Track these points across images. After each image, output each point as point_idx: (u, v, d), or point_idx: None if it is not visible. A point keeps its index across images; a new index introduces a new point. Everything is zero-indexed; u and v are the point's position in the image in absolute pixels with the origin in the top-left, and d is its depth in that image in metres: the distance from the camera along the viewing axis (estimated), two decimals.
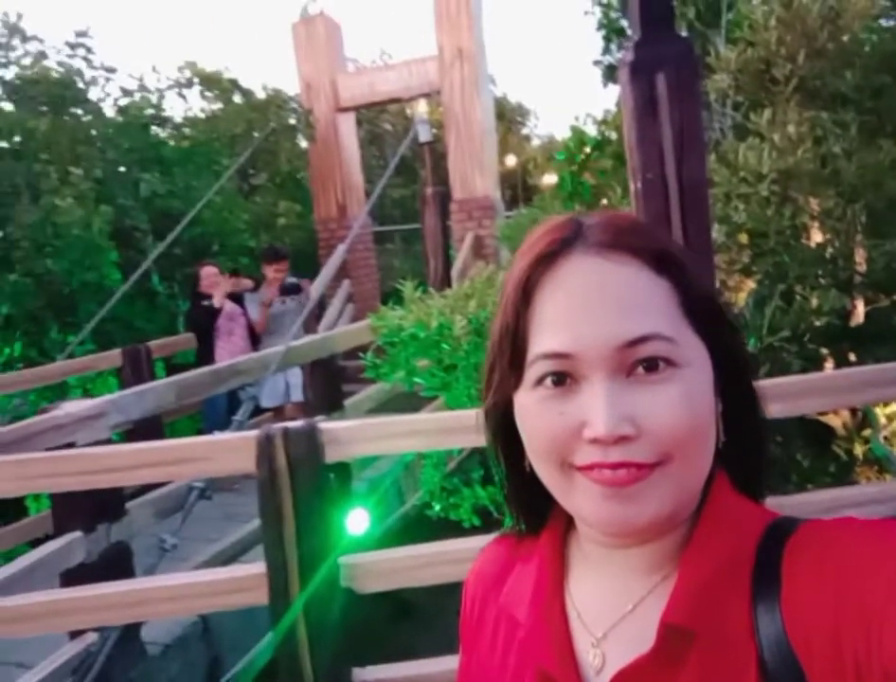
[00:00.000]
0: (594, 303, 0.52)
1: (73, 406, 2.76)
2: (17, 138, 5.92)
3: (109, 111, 7.18)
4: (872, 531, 0.51)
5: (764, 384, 2.36)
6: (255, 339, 5.15)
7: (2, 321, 5.04)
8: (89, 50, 6.83)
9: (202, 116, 8.40)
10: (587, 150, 4.99)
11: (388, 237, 11.20)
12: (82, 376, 4.97)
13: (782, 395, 2.15)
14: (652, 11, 2.14)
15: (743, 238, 2.74)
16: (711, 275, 2.18)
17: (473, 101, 7.37)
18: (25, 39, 6.60)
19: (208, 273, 5.20)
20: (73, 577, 2.57)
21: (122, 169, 6.69)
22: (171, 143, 7.53)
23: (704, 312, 0.55)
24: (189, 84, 7.88)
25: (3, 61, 6.35)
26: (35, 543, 3.27)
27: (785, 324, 2.55)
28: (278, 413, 4.91)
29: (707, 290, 0.56)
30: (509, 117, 17.52)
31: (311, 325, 5.63)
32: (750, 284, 3.16)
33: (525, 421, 0.56)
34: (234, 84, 8.91)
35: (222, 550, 3.67)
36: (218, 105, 8.64)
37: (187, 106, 8.14)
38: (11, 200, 5.57)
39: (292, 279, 5.31)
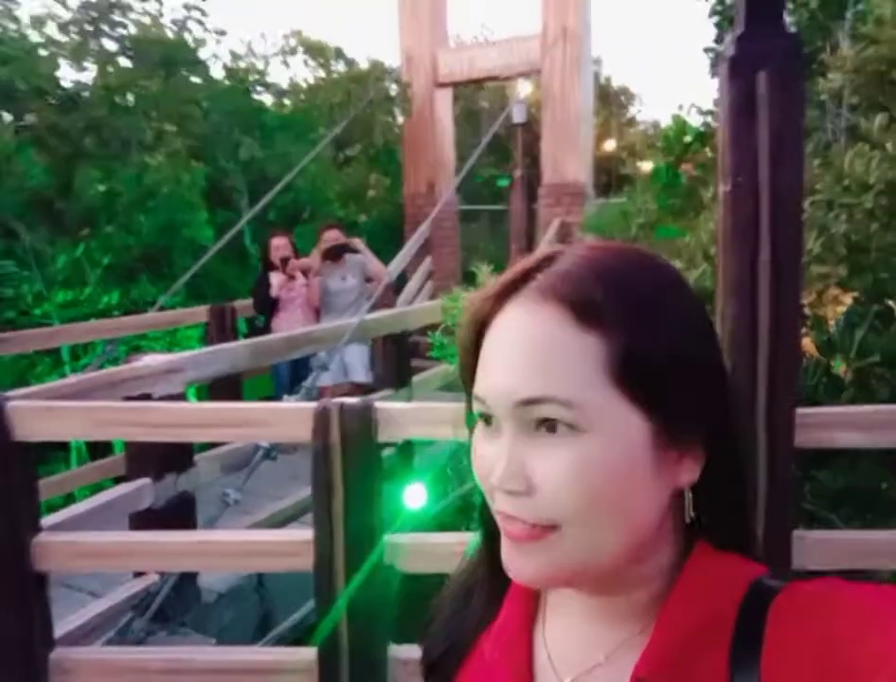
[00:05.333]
0: (506, 356, 0.51)
1: (153, 359, 2.92)
2: (130, 95, 6.21)
3: (216, 74, 7.45)
4: (858, 598, 0.48)
5: (844, 410, 2.18)
6: (317, 314, 5.11)
7: (102, 271, 5.36)
8: (203, 13, 7.08)
9: (303, 84, 8.58)
10: (688, 140, 4.76)
11: (475, 216, 11.13)
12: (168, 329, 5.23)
13: (863, 424, 2.01)
14: (760, 3, 2.00)
15: (842, 249, 2.56)
16: (799, 290, 2.05)
17: (573, 83, 7.19)
18: None
19: (278, 244, 5.08)
20: (141, 520, 2.74)
21: (225, 131, 6.93)
22: (273, 110, 7.74)
23: (644, 373, 0.48)
24: (294, 52, 8.06)
25: (123, 21, 6.66)
26: (118, 480, 3.45)
27: (877, 348, 2.38)
28: (336, 391, 4.77)
29: (659, 348, 0.49)
30: (612, 101, 16.98)
31: (388, 298, 5.68)
32: (847, 300, 2.96)
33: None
34: (338, 53, 9.03)
35: (283, 509, 3.80)
36: (320, 74, 8.80)
37: (290, 73, 8.34)
38: (121, 155, 5.89)
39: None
